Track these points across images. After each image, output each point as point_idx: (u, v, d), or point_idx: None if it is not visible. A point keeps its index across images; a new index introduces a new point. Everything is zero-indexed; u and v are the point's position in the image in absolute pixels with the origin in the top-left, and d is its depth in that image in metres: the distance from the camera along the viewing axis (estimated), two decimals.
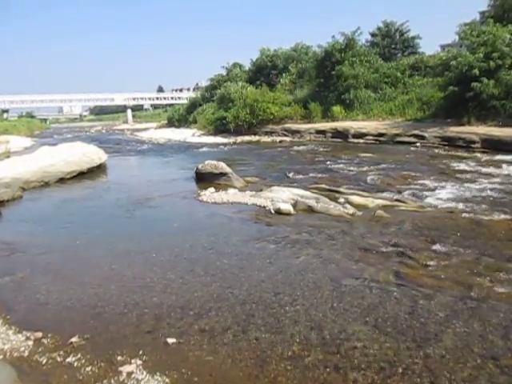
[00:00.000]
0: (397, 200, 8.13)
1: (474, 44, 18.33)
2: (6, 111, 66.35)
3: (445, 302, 4.17)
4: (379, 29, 32.24)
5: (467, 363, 3.25)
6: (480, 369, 3.19)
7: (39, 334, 3.82)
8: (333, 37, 26.75)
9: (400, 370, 3.19)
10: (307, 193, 8.60)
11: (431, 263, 5.12)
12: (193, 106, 42.87)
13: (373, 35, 32.48)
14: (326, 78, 26.42)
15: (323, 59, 26.85)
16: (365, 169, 12.02)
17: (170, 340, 3.67)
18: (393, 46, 31.94)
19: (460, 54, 18.55)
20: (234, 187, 9.84)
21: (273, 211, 7.67)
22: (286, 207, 7.63)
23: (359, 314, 4.02)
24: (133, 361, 3.40)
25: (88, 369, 3.34)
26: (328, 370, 3.24)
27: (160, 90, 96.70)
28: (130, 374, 3.26)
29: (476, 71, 17.09)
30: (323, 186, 9.53)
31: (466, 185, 9.31)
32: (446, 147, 16.44)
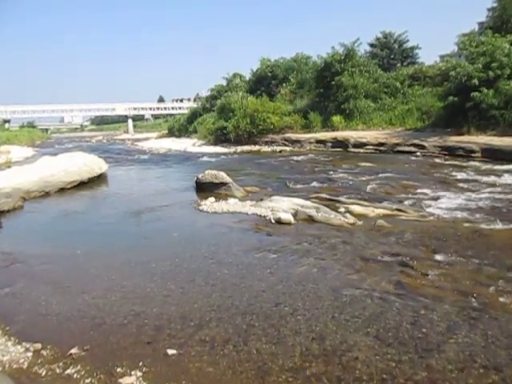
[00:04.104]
0: (397, 209, 8.12)
1: (473, 54, 18.46)
2: (8, 121, 66.73)
3: (447, 312, 4.14)
4: (378, 39, 32.53)
5: (470, 374, 3.22)
6: (483, 380, 3.16)
7: (38, 346, 3.79)
8: (332, 48, 27.00)
9: (402, 382, 3.16)
10: (307, 202, 8.59)
11: (432, 273, 5.10)
12: (193, 115, 43.13)
13: (372, 45, 32.74)
14: (326, 88, 26.57)
15: (323, 70, 27.02)
16: (365, 178, 12.02)
17: (171, 351, 3.65)
18: (392, 57, 32.21)
19: (459, 64, 18.67)
20: (235, 197, 9.83)
21: (273, 221, 7.66)
22: (287, 217, 7.62)
23: (360, 325, 3.99)
24: (133, 372, 3.38)
25: (87, 381, 3.31)
26: (329, 381, 3.22)
27: (161, 100, 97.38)
28: None
29: (475, 81, 17.18)
30: (323, 195, 9.53)
31: (467, 194, 9.31)
32: (446, 156, 16.46)
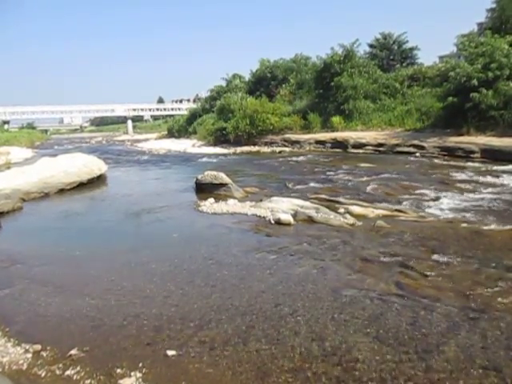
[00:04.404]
0: (397, 210, 8.13)
1: (472, 55, 18.48)
2: (7, 122, 66.61)
3: (446, 313, 4.15)
4: (377, 40, 32.52)
5: (469, 375, 3.22)
6: (482, 380, 3.16)
7: (38, 347, 3.79)
8: (332, 48, 27.04)
9: (402, 382, 3.16)
10: (307, 203, 8.60)
11: (432, 273, 5.10)
12: (193, 116, 43.15)
13: (371, 46, 32.75)
14: (325, 89, 26.59)
15: (322, 70, 27.07)
16: (364, 179, 12.03)
17: (170, 352, 3.65)
18: (391, 58, 32.18)
19: (458, 65, 18.69)
20: (234, 198, 9.83)
21: (273, 221, 7.66)
22: (286, 217, 7.62)
23: (360, 325, 3.99)
24: (132, 374, 3.38)
25: (87, 382, 3.31)
26: (329, 382, 3.22)
27: (160, 100, 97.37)
28: None
29: (475, 82, 17.20)
30: (323, 196, 9.54)
31: (466, 195, 9.31)
32: (446, 157, 16.48)
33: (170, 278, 5.35)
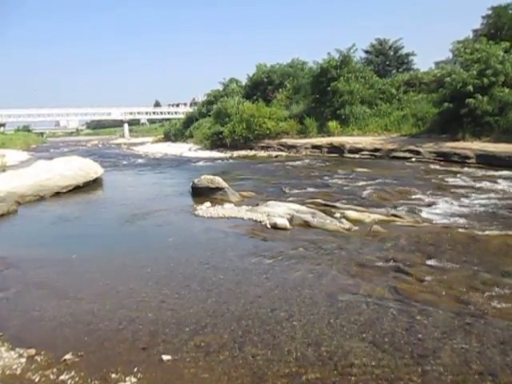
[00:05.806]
0: (393, 215, 8.15)
1: (467, 61, 18.61)
2: (3, 125, 66.50)
3: (442, 318, 4.15)
4: (373, 46, 32.71)
5: (465, 380, 3.23)
6: None
7: (32, 351, 3.76)
8: (328, 53, 27.16)
9: None
10: (303, 208, 8.60)
11: (428, 278, 5.11)
12: (189, 120, 43.18)
13: (367, 52, 32.95)
14: (322, 94, 26.67)
15: (319, 75, 27.14)
16: (361, 184, 12.06)
17: (166, 357, 3.63)
18: (387, 63, 32.38)
19: (454, 71, 18.81)
20: (230, 202, 9.83)
21: (269, 226, 7.66)
22: (282, 222, 7.62)
23: (356, 330, 3.99)
24: (127, 378, 3.35)
25: None
26: None
27: (157, 104, 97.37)
28: None
29: (470, 88, 17.31)
30: (319, 200, 9.54)
31: (462, 200, 9.35)
32: (441, 162, 16.55)
33: (166, 283, 5.33)
